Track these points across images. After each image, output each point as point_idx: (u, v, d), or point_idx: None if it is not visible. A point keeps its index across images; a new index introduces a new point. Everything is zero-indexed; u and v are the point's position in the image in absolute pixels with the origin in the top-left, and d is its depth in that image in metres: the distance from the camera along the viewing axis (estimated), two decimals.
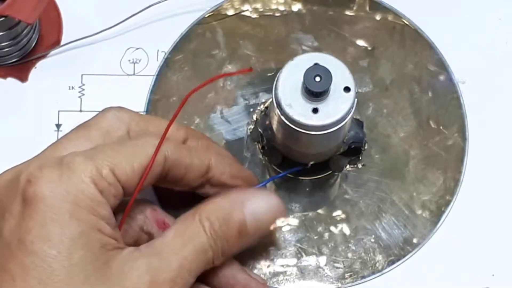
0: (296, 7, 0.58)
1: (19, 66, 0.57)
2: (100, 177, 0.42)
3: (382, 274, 0.53)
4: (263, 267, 0.53)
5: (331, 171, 0.55)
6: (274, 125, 0.50)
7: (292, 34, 0.58)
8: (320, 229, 0.54)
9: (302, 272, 0.53)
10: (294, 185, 0.54)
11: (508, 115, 0.56)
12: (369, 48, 0.57)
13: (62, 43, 0.57)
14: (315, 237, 0.53)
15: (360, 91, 0.56)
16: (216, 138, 0.55)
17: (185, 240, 0.43)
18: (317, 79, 0.46)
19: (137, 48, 0.57)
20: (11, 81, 0.56)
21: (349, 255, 0.53)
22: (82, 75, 0.56)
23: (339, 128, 0.47)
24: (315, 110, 0.47)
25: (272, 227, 0.47)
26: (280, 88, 0.47)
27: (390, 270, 0.53)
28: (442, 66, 0.57)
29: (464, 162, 0.55)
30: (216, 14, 0.58)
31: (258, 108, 0.56)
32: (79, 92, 0.56)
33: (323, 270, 0.53)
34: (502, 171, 0.55)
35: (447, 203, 0.54)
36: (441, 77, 0.57)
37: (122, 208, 0.44)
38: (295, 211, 0.54)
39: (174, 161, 0.45)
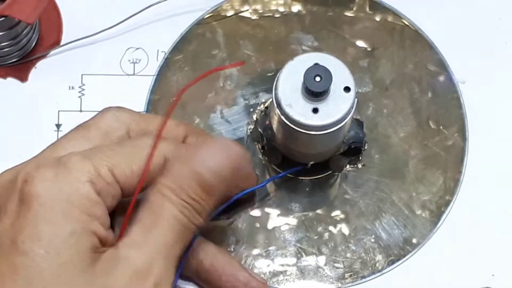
0: (296, 8, 0.58)
1: (19, 66, 0.57)
2: (98, 176, 0.42)
3: (382, 274, 0.53)
4: (263, 267, 0.53)
5: (331, 171, 0.55)
6: (274, 125, 0.50)
7: (292, 34, 0.58)
8: (320, 229, 0.54)
9: (302, 272, 0.53)
10: (294, 185, 0.54)
11: (508, 115, 0.56)
12: (369, 49, 0.57)
13: (62, 43, 0.57)
14: (315, 237, 0.53)
15: (360, 91, 0.56)
16: None
17: (154, 218, 0.42)
18: (317, 79, 0.46)
19: (137, 48, 0.57)
20: (11, 81, 0.56)
21: (349, 255, 0.53)
22: (82, 75, 0.56)
23: (339, 128, 0.47)
24: (315, 110, 0.47)
25: (242, 171, 0.46)
26: (280, 88, 0.47)
27: (390, 270, 0.53)
28: (442, 66, 0.57)
29: (464, 162, 0.55)
30: (216, 15, 0.58)
31: (258, 108, 0.56)
32: (79, 92, 0.56)
33: (323, 270, 0.53)
34: (502, 171, 0.55)
35: (447, 203, 0.54)
36: (441, 77, 0.57)
37: (123, 210, 0.44)
38: (295, 211, 0.54)
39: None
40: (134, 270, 0.41)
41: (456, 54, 0.57)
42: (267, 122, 0.52)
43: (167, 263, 0.42)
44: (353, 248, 0.53)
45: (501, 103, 0.56)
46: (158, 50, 0.57)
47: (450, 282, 0.52)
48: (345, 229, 0.54)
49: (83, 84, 0.56)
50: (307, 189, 0.54)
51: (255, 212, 0.54)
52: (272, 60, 0.57)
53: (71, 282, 0.40)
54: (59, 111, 0.56)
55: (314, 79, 0.46)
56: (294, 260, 0.53)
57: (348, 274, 0.53)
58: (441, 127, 0.56)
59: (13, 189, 0.42)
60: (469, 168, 0.55)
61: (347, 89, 0.47)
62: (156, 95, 0.56)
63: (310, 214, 0.54)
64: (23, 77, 0.56)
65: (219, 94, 0.56)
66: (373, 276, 0.53)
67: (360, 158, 0.55)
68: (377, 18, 0.58)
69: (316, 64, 0.46)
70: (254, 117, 0.56)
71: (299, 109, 0.47)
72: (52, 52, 0.57)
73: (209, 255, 0.48)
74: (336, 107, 0.47)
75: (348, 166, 0.55)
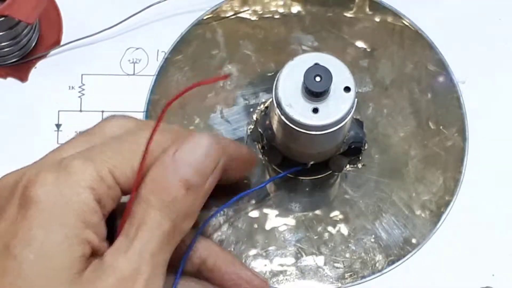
0: (296, 8, 0.58)
1: (19, 66, 0.57)
2: (99, 181, 0.41)
3: (382, 274, 0.53)
4: (263, 267, 0.53)
5: (331, 171, 0.55)
6: (274, 125, 0.50)
7: (292, 34, 0.58)
8: (320, 229, 0.54)
9: (302, 272, 0.53)
10: (294, 185, 0.54)
11: (508, 115, 0.56)
12: (369, 49, 0.57)
13: (62, 43, 0.57)
14: (315, 237, 0.53)
15: (360, 91, 0.56)
16: None
17: (138, 226, 0.42)
18: (317, 79, 0.46)
19: (137, 48, 0.57)
20: (11, 81, 0.56)
21: (349, 255, 0.53)
22: (82, 75, 0.56)
23: (339, 128, 0.47)
24: (315, 110, 0.47)
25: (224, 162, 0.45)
26: (280, 88, 0.47)
27: (390, 270, 0.53)
28: (442, 66, 0.57)
29: (464, 162, 0.55)
30: (216, 16, 0.58)
31: (258, 108, 0.56)
32: (79, 92, 0.56)
33: (323, 270, 0.53)
34: (502, 171, 0.55)
35: (447, 203, 0.54)
36: (441, 77, 0.57)
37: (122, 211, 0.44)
38: (295, 211, 0.54)
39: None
40: (120, 278, 0.41)
41: (456, 54, 0.57)
42: (267, 122, 0.52)
43: (154, 269, 0.42)
44: (353, 248, 0.53)
45: (501, 103, 0.56)
46: (158, 50, 0.57)
47: (450, 282, 0.52)
48: (345, 229, 0.54)
49: (83, 84, 0.56)
50: (307, 189, 0.54)
51: (255, 213, 0.54)
52: (272, 60, 0.57)
53: None
54: (59, 111, 0.56)
55: (314, 79, 0.46)
56: (294, 260, 0.53)
57: (348, 274, 0.53)
58: (441, 127, 0.56)
59: (14, 193, 0.41)
60: (469, 168, 0.55)
61: (347, 89, 0.47)
62: (156, 95, 0.56)
63: (310, 214, 0.54)
64: (23, 77, 0.56)
65: (219, 94, 0.56)
66: (373, 276, 0.53)
67: (360, 158, 0.55)
68: (377, 19, 0.58)
69: (316, 64, 0.46)
70: (254, 117, 0.56)
71: (299, 109, 0.47)
72: (52, 52, 0.57)
73: (212, 254, 0.48)
74: (336, 107, 0.47)
75: (348, 166, 0.55)
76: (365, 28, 0.58)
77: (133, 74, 0.57)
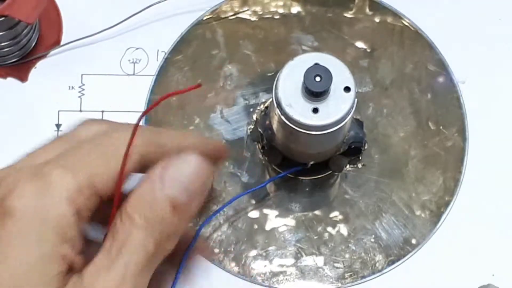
0: (295, 9, 0.58)
1: (19, 66, 0.57)
2: (77, 191, 0.40)
3: (382, 274, 0.53)
4: (263, 267, 0.53)
5: (331, 171, 0.55)
6: (274, 125, 0.50)
7: (292, 34, 0.58)
8: (320, 229, 0.54)
9: (302, 272, 0.53)
10: (294, 185, 0.54)
11: (508, 115, 0.56)
12: (368, 50, 0.57)
13: (62, 43, 0.57)
14: (315, 237, 0.53)
15: (360, 91, 0.56)
16: (216, 138, 0.55)
17: (120, 246, 0.40)
18: (317, 79, 0.46)
19: (137, 48, 0.57)
20: (11, 81, 0.56)
21: (349, 255, 0.53)
22: (82, 75, 0.56)
23: (339, 128, 0.47)
24: (315, 110, 0.47)
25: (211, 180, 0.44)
26: (280, 88, 0.47)
27: (390, 270, 0.53)
28: (442, 66, 0.57)
29: (464, 162, 0.55)
30: (215, 16, 0.58)
31: (258, 108, 0.56)
32: (79, 92, 0.56)
33: (323, 270, 0.53)
34: (502, 171, 0.55)
35: (447, 203, 0.54)
36: (441, 77, 0.57)
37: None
38: (295, 211, 0.54)
39: (148, 152, 0.43)
40: None
41: (456, 54, 0.57)
42: (267, 122, 0.52)
43: None
44: (353, 248, 0.53)
45: (501, 103, 0.56)
46: (158, 50, 0.57)
47: (450, 282, 0.52)
48: (345, 229, 0.54)
49: (83, 84, 0.56)
50: (307, 189, 0.54)
51: (255, 213, 0.54)
52: (272, 60, 0.57)
53: None
54: (59, 111, 0.56)
55: (314, 79, 0.46)
56: (294, 260, 0.53)
57: (348, 274, 0.53)
58: (441, 127, 0.56)
59: None
60: (469, 168, 0.55)
61: (347, 89, 0.47)
62: (156, 95, 0.56)
63: (310, 214, 0.54)
64: (23, 77, 0.56)
65: (219, 94, 0.56)
66: (373, 276, 0.53)
67: (360, 158, 0.55)
68: (377, 19, 0.58)
69: (316, 64, 0.46)
70: (254, 117, 0.56)
71: (299, 109, 0.47)
72: (52, 52, 0.57)
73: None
74: (336, 107, 0.47)
75: (348, 166, 0.55)
76: (365, 28, 0.58)
77: (133, 74, 0.57)
